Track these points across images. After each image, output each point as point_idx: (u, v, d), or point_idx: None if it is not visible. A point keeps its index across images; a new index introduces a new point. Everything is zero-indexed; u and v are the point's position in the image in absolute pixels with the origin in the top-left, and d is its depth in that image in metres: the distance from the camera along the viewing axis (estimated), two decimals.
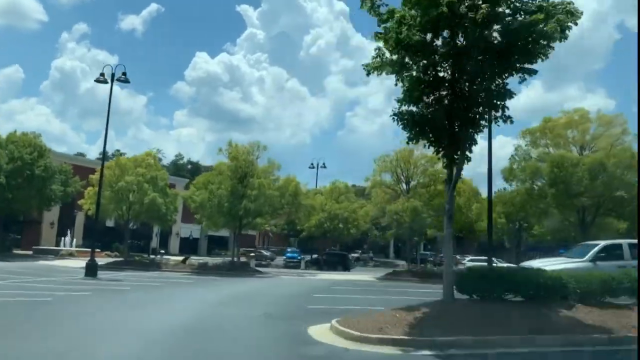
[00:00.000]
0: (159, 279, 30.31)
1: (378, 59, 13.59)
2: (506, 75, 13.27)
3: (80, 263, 34.03)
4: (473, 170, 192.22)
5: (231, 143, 40.35)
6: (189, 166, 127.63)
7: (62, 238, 57.28)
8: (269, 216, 43.32)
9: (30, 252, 50.86)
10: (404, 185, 37.07)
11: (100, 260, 36.52)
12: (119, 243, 53.34)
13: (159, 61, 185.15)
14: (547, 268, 15.45)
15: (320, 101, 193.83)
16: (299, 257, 55.94)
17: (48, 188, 46.33)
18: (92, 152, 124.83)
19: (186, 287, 26.73)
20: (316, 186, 59.83)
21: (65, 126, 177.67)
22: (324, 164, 66.09)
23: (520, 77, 13.41)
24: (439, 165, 36.41)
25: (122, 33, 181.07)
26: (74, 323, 13.63)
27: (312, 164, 65.61)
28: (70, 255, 49.09)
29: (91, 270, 29.61)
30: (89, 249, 37.01)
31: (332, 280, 34.66)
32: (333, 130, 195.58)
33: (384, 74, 13.71)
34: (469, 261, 58.80)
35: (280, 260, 59.70)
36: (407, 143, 16.35)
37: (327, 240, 59.14)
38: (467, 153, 13.78)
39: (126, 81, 34.79)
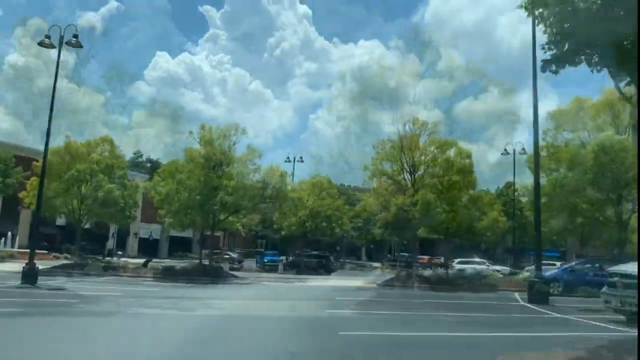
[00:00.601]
0: (116, 287, 24.25)
1: None
2: None
3: (21, 267, 27.74)
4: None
5: (204, 126, 34.37)
6: (149, 164, 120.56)
7: (2, 238, 50.10)
8: (247, 212, 37.40)
9: None
10: (408, 176, 31.54)
11: (47, 264, 31.63)
12: (70, 244, 46.92)
13: (118, 60, 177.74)
14: None
15: (283, 104, 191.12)
16: (278, 260, 50.00)
17: None
18: None
19: (154, 301, 20.66)
20: (292, 180, 53.95)
21: (19, 124, 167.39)
22: (301, 157, 60.27)
23: None
24: (451, 152, 31.60)
25: (80, 30, 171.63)
26: None
27: (288, 157, 59.66)
28: (11, 257, 42.01)
29: (29, 276, 23.32)
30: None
31: (326, 286, 29.55)
32: (296, 133, 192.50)
33: None
34: (458, 263, 54.30)
35: (249, 263, 54.13)
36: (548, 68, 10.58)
37: (299, 241, 53.46)
38: None
39: (78, 45, 28.55)
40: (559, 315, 17.78)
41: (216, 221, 34.84)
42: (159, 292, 23.29)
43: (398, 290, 27.60)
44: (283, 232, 48.21)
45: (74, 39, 27.79)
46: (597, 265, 28.44)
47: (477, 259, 61.27)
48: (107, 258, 46.27)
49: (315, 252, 52.04)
